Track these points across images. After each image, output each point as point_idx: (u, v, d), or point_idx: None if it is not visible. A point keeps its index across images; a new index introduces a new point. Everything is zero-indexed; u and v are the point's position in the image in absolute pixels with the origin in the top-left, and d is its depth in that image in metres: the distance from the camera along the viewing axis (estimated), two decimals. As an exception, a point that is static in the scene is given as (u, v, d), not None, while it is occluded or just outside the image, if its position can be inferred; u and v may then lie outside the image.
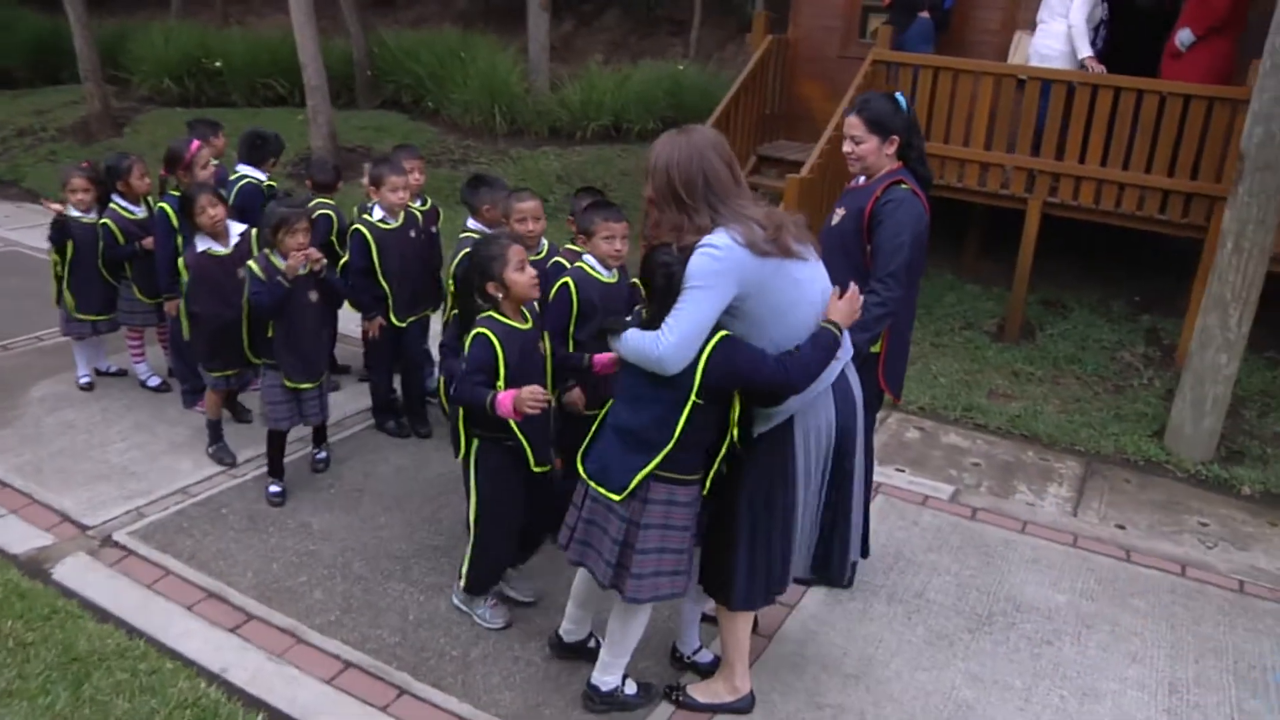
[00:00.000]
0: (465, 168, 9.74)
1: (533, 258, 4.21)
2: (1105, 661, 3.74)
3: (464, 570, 3.58)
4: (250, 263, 4.24)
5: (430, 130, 10.62)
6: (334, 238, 5.18)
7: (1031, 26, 7.37)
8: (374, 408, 5.14)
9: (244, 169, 5.35)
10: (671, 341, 2.70)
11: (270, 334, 4.28)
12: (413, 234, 4.88)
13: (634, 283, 3.96)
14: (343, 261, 4.88)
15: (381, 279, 4.76)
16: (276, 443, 4.46)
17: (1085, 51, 6.92)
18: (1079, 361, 6.86)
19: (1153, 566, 4.44)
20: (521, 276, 3.23)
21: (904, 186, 3.48)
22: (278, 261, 4.19)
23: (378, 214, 4.77)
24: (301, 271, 4.21)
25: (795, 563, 3.09)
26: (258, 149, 5.37)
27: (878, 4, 8.25)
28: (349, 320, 5.71)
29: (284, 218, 4.17)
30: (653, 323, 2.78)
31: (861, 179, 3.74)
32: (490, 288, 3.21)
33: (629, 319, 2.91)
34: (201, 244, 4.56)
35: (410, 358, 5.08)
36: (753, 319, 2.81)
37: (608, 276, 3.86)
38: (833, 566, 3.19)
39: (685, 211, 2.81)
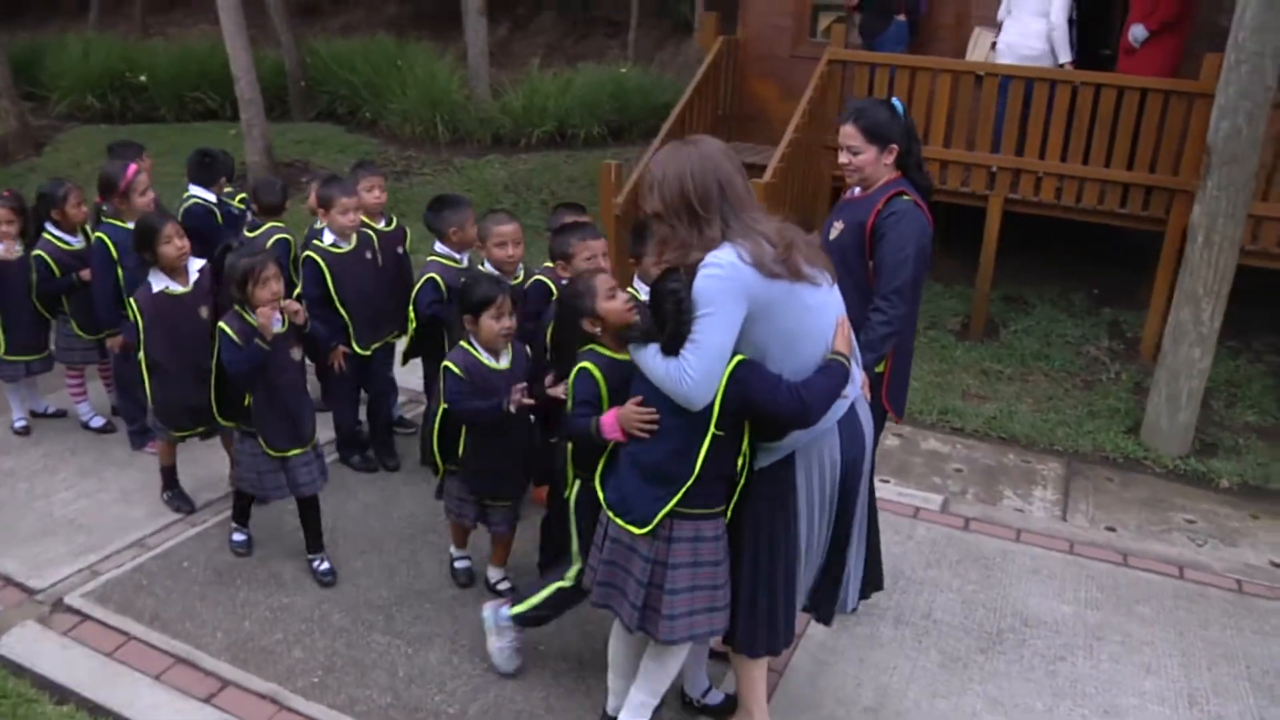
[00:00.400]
0: (408, 179, 9.43)
1: (514, 281, 4.02)
2: (1121, 675, 3.65)
3: (535, 601, 3.33)
4: (221, 324, 3.70)
5: (369, 142, 10.27)
6: (290, 265, 4.90)
7: (988, 21, 7.34)
8: (338, 441, 4.85)
9: (194, 190, 5.05)
10: (696, 378, 2.54)
11: (247, 400, 3.76)
12: (369, 255, 4.62)
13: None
14: (296, 290, 4.59)
15: (339, 307, 4.49)
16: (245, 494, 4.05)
17: (1065, 56, 6.92)
18: (1046, 358, 6.84)
19: (1151, 570, 4.38)
20: (614, 304, 2.96)
21: (906, 198, 3.33)
22: (253, 319, 3.68)
23: (329, 238, 4.51)
24: (278, 329, 3.69)
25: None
26: (207, 168, 5.06)
27: (828, 2, 8.16)
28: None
29: (249, 269, 3.61)
30: (669, 348, 2.59)
31: (857, 190, 3.59)
32: (587, 325, 2.94)
33: (645, 326, 2.72)
34: (157, 282, 4.10)
35: (376, 386, 4.82)
36: (759, 348, 2.64)
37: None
38: (821, 604, 3.05)
39: (697, 224, 2.63)
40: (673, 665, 2.96)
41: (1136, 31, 6.89)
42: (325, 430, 5.03)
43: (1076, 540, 4.60)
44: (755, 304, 2.58)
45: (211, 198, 5.12)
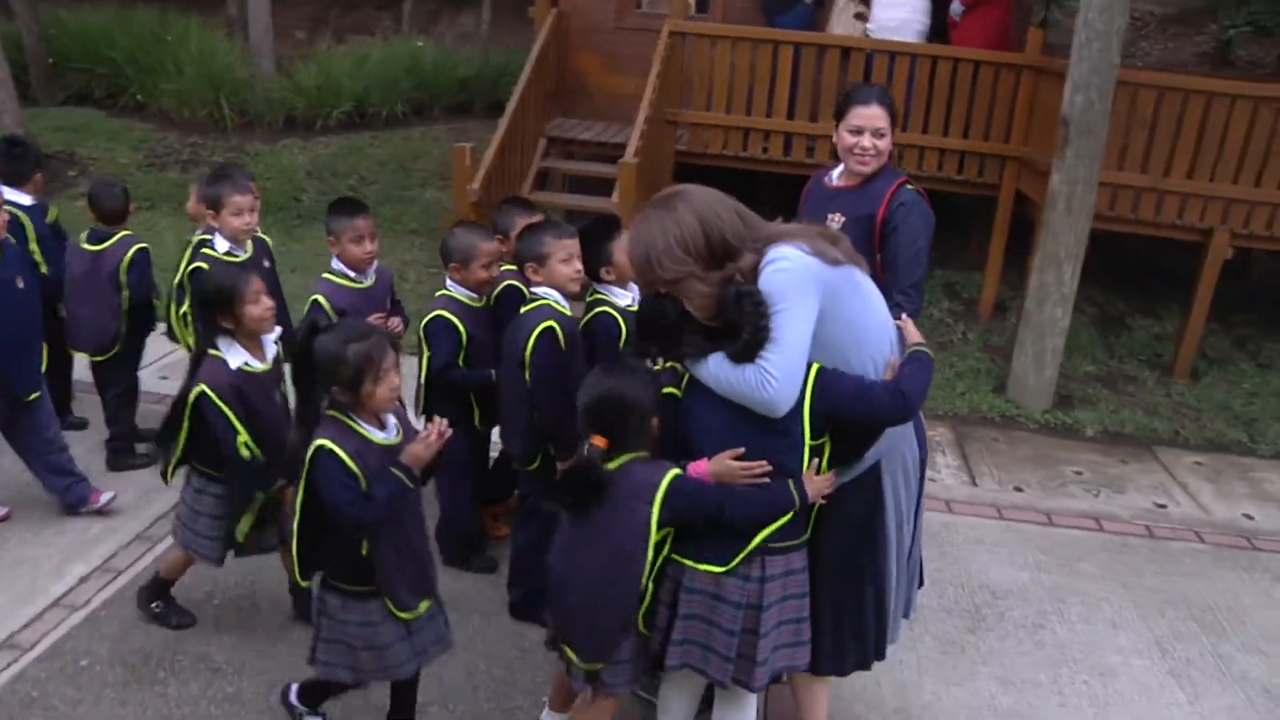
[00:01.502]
0: (197, 169, 8.36)
1: (478, 304, 3.57)
2: (1096, 635, 3.81)
3: None
4: (324, 443, 2.47)
5: (141, 128, 8.99)
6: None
7: None
8: None
9: (6, 192, 4.14)
10: (780, 380, 2.29)
11: (364, 551, 2.60)
12: (267, 265, 4.02)
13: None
14: (184, 309, 3.91)
15: None
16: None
17: None
18: (896, 322, 7.08)
19: (1074, 526, 4.63)
20: None
21: (910, 186, 3.24)
22: (374, 436, 2.55)
23: (222, 245, 3.84)
24: (394, 438, 2.61)
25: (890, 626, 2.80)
26: (18, 160, 4.14)
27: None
28: (149, 377, 4.70)
29: (366, 358, 2.46)
30: (746, 354, 2.33)
31: (835, 177, 3.45)
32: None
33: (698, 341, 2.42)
34: (233, 356, 3.04)
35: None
36: (830, 345, 2.43)
37: (567, 308, 3.30)
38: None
39: (731, 259, 2.36)
40: (751, 711, 2.73)
41: (954, 5, 7.22)
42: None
43: (1000, 505, 4.77)
44: (825, 294, 2.37)
45: (27, 200, 4.22)
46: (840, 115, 3.32)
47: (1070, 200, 5.61)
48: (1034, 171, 6.52)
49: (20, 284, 3.74)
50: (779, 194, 8.14)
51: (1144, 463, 5.45)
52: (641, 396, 2.42)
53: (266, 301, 3.07)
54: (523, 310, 3.29)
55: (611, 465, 2.44)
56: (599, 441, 2.38)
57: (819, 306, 2.37)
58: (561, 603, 2.57)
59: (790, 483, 2.40)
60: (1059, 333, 5.88)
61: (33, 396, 3.75)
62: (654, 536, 2.41)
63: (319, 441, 2.48)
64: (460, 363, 3.52)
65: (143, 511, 4.11)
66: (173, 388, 5.14)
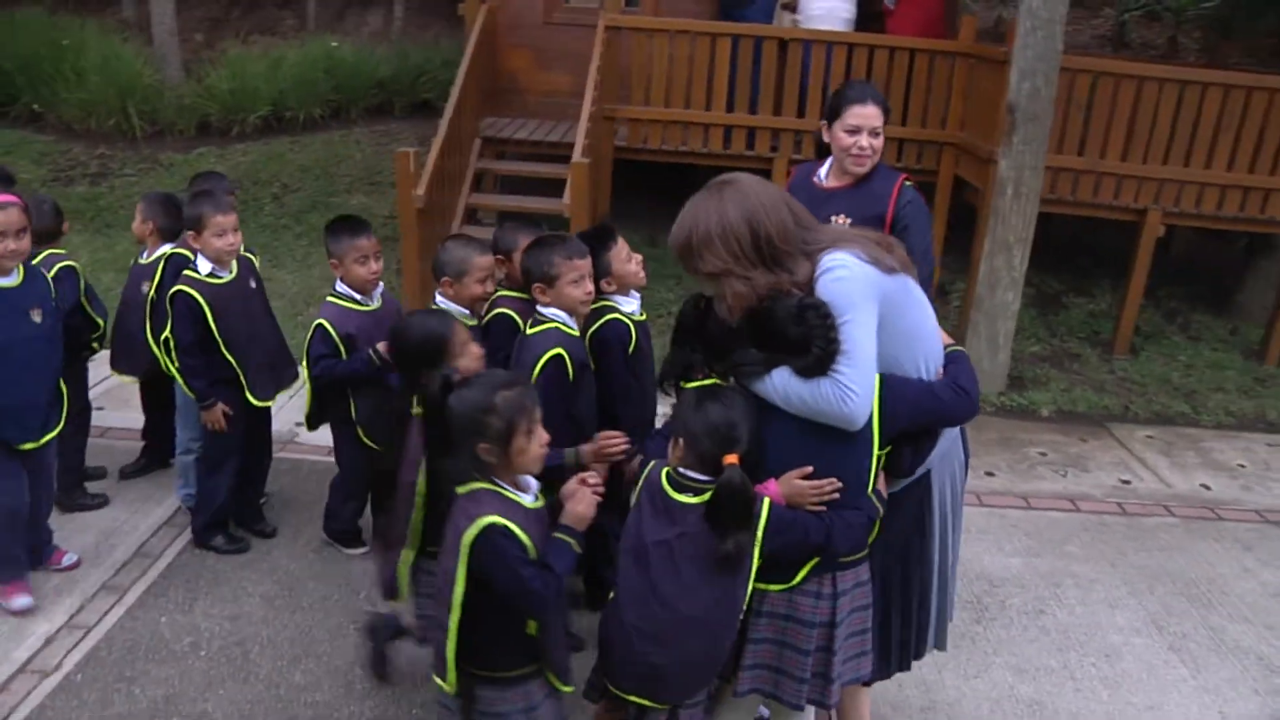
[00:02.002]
0: (107, 181, 7.90)
1: (469, 322, 3.39)
2: (1095, 616, 3.88)
3: None
4: (494, 519, 2.15)
5: (41, 140, 8.43)
6: (83, 299, 3.90)
7: None
8: (204, 523, 3.90)
9: None
10: (860, 393, 2.23)
11: (531, 629, 2.32)
12: (253, 285, 3.79)
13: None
14: (165, 334, 3.66)
15: (225, 352, 3.61)
16: None
17: None
18: (844, 312, 7.13)
19: (1053, 509, 4.72)
20: None
21: (909, 183, 3.22)
22: (525, 501, 2.28)
23: (205, 267, 3.60)
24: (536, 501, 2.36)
25: (932, 627, 2.78)
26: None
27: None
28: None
29: (519, 408, 2.20)
30: (816, 368, 2.25)
31: (824, 175, 3.40)
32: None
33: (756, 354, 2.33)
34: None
35: (259, 444, 3.97)
36: (885, 354, 2.35)
37: (575, 329, 3.17)
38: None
39: (779, 262, 2.29)
40: None
41: (887, -7, 7.30)
42: (151, 510, 4.13)
43: (979, 491, 4.82)
44: (883, 303, 2.31)
45: None
46: (835, 114, 3.26)
47: (1018, 185, 5.71)
48: (973, 157, 6.63)
49: (37, 318, 3.34)
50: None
51: (1101, 440, 5.60)
52: (754, 419, 2.30)
53: (475, 349, 2.82)
54: (529, 332, 3.13)
55: (697, 500, 2.30)
56: (734, 459, 2.24)
57: (878, 315, 2.31)
58: (653, 653, 2.35)
59: (872, 495, 2.34)
60: (1010, 316, 5.99)
61: (26, 446, 3.39)
62: (754, 568, 2.32)
63: (487, 519, 2.15)
64: (453, 384, 3.36)
65: (105, 559, 3.82)
66: (114, 419, 4.85)
